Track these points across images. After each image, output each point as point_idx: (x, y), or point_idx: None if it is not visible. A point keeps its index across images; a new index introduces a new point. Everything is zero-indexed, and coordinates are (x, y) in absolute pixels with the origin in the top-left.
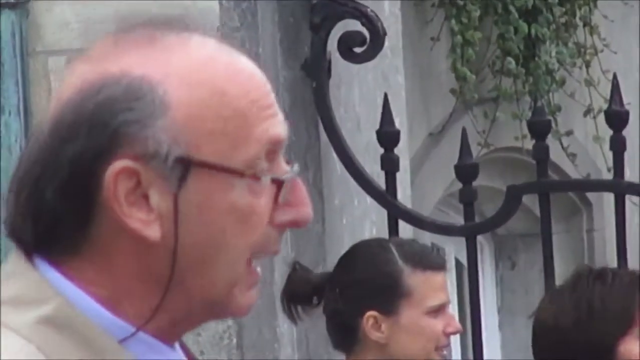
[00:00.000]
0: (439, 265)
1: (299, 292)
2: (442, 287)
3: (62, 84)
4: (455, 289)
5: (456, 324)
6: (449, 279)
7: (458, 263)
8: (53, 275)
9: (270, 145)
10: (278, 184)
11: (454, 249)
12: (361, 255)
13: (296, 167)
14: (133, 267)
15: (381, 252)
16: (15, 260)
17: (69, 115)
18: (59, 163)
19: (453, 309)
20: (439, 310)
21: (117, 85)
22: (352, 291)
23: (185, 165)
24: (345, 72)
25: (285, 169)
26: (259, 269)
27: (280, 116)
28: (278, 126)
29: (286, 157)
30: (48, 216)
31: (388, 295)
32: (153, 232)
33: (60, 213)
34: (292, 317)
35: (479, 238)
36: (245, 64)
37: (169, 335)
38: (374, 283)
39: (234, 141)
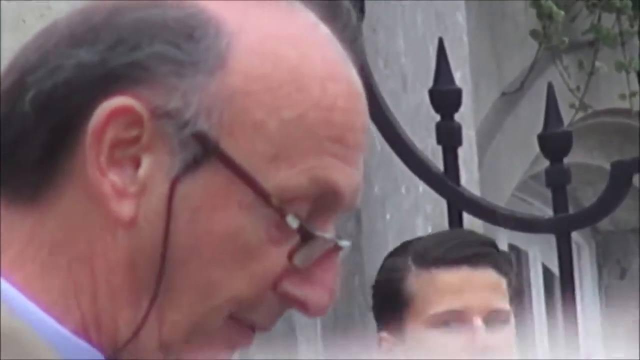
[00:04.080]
0: (451, 260)
1: None
2: (457, 288)
3: None
4: (543, 306)
5: (482, 340)
6: (536, 292)
7: (547, 271)
8: None
9: (322, 191)
10: (305, 236)
11: (539, 252)
12: (387, 256)
13: (345, 242)
14: (94, 252)
15: (398, 250)
16: None
17: (101, 15)
18: (60, 64)
19: (542, 333)
20: (452, 320)
21: (176, 9)
22: (373, 306)
23: (205, 149)
24: (385, 11)
25: (328, 231)
26: (252, 334)
27: (356, 173)
28: (344, 176)
29: (338, 230)
30: (17, 123)
31: (392, 308)
32: (125, 208)
33: (31, 127)
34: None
35: (575, 236)
36: (351, 77)
37: None
38: (380, 292)
39: (277, 153)
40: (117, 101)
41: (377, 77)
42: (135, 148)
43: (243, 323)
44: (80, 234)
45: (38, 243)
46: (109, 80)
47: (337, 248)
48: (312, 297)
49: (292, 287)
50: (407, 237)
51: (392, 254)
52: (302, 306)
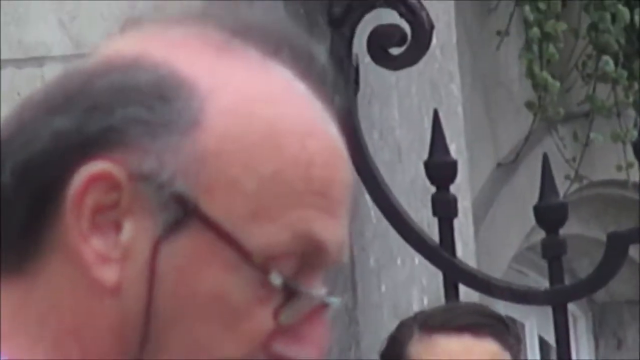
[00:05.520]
0: (453, 327)
1: None
2: (457, 356)
3: (95, 50)
4: None
5: None
6: None
7: (543, 342)
8: None
9: (305, 247)
10: (289, 294)
11: (536, 324)
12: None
13: (335, 299)
14: (81, 320)
15: (409, 317)
16: None
17: (76, 83)
18: (37, 132)
19: None
20: None
21: (148, 73)
22: None
23: (184, 210)
24: (380, 82)
25: (313, 286)
26: None
27: (341, 225)
28: (327, 229)
29: (327, 286)
30: None
31: None
32: (109, 274)
33: (12, 199)
34: None
35: (571, 307)
36: (329, 133)
37: None
38: (384, 357)
39: (257, 210)
40: (95, 167)
41: (372, 149)
42: (115, 212)
43: None
44: (65, 302)
45: (25, 314)
46: (85, 146)
47: (325, 304)
48: (302, 356)
49: (281, 347)
50: (403, 309)
51: (402, 321)
52: None
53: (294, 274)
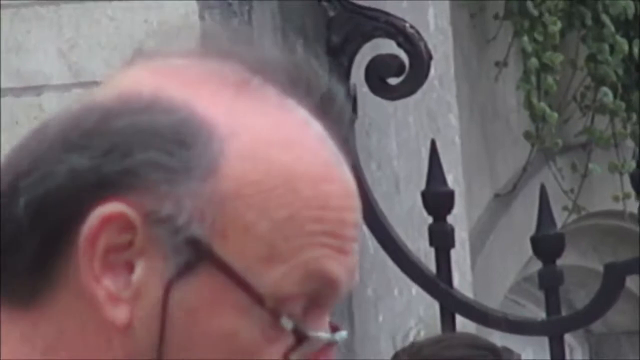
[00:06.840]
0: (443, 359)
1: None
2: None
3: (107, 81)
4: None
5: None
6: None
7: None
8: None
9: (317, 285)
10: (299, 338)
11: (532, 354)
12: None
13: (342, 334)
14: (89, 356)
15: (401, 350)
16: None
17: (92, 120)
18: (53, 169)
19: None
20: None
21: (168, 115)
22: None
23: (198, 254)
24: (378, 112)
25: (322, 327)
26: None
27: (352, 261)
28: (338, 265)
29: (333, 320)
30: (11, 228)
31: None
32: (119, 314)
33: (25, 232)
34: None
35: (568, 338)
36: (341, 175)
37: None
38: None
39: (270, 253)
40: (110, 208)
41: (370, 180)
42: (128, 253)
43: None
44: (74, 338)
45: (31, 345)
46: (101, 187)
47: (332, 343)
48: None
49: None
50: (400, 339)
51: (396, 352)
52: None
53: (304, 313)
